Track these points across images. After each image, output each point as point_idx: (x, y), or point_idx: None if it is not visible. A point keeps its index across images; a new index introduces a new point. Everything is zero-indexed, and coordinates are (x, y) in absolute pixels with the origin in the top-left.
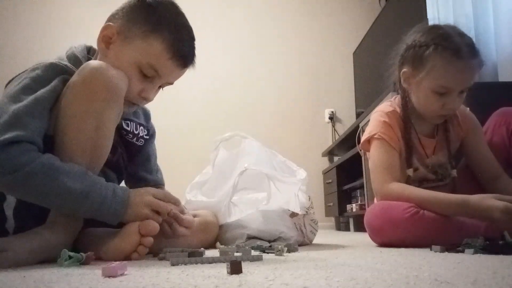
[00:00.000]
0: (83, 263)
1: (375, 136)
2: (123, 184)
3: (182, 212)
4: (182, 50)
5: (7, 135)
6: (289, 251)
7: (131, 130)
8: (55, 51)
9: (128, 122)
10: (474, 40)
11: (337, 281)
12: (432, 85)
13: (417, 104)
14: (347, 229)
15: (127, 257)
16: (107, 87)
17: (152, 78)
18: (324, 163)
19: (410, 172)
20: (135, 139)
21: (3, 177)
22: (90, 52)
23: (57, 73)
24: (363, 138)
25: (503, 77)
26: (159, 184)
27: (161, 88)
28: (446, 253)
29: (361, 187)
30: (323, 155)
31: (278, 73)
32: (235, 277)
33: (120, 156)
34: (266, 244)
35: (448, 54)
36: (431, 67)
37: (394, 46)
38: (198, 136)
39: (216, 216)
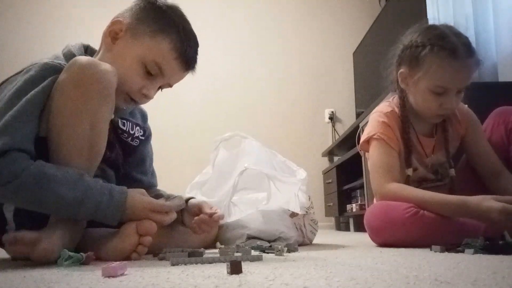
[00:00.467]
0: (83, 263)
1: (374, 137)
2: None
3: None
4: (188, 53)
5: None
6: (289, 251)
7: (127, 130)
8: (55, 51)
9: (125, 121)
10: (474, 40)
11: (337, 281)
12: (429, 85)
13: (415, 104)
14: (347, 229)
15: (127, 257)
16: (99, 84)
17: (155, 76)
18: (324, 163)
19: (409, 172)
20: (130, 139)
21: None
22: (87, 51)
23: (50, 73)
24: (362, 139)
25: (503, 77)
26: (153, 187)
27: (160, 89)
28: (446, 253)
29: (361, 187)
30: (323, 155)
31: (278, 73)
32: (235, 277)
33: (117, 153)
34: (266, 244)
35: (444, 54)
36: (428, 67)
37: (393, 46)
38: (198, 136)
39: None
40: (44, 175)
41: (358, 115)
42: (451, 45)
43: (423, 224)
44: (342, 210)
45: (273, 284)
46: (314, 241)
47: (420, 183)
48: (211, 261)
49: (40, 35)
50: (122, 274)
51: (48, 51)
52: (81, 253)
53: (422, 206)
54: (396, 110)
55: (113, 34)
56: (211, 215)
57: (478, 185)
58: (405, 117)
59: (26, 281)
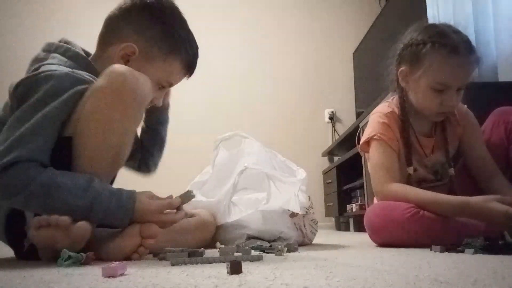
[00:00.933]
0: (83, 263)
1: (374, 137)
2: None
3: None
4: (194, 65)
5: (5, 159)
6: (289, 251)
7: None
8: (48, 45)
9: None
10: (474, 40)
11: (337, 281)
12: (430, 82)
13: (416, 102)
14: (347, 229)
15: (127, 258)
16: (135, 96)
17: (165, 87)
18: (324, 163)
19: (410, 170)
20: None
21: (7, 200)
22: (81, 58)
23: (72, 85)
24: (362, 140)
25: (503, 77)
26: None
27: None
28: (446, 253)
29: (361, 187)
30: (323, 155)
31: (278, 73)
32: (235, 277)
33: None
34: (266, 244)
35: (445, 51)
36: (429, 64)
37: (393, 46)
38: (198, 136)
39: (213, 215)
40: (53, 184)
41: (358, 115)
42: (452, 42)
43: (423, 224)
44: (342, 210)
45: (273, 284)
46: (314, 241)
47: (419, 183)
48: (211, 261)
49: (40, 35)
50: (122, 274)
51: None
52: (81, 253)
53: (422, 206)
54: (396, 110)
55: (125, 57)
56: None
57: (476, 186)
58: (405, 117)
59: (26, 281)
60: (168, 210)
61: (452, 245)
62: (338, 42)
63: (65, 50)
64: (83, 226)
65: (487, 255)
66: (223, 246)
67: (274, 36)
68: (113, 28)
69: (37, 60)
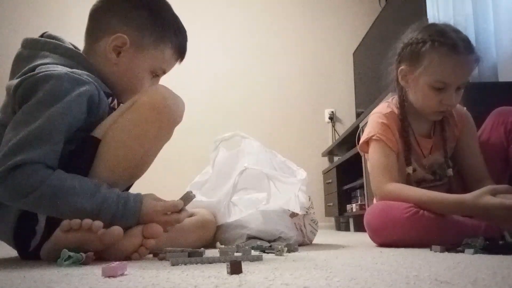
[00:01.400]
0: (83, 263)
1: (373, 138)
2: None
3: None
4: (184, 51)
5: (12, 161)
6: (289, 251)
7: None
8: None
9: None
10: (474, 40)
11: (337, 281)
12: (430, 81)
13: (415, 101)
14: (347, 229)
15: (127, 257)
16: (174, 118)
17: (159, 76)
18: (324, 163)
19: (410, 170)
20: None
21: (16, 201)
22: (71, 53)
23: (74, 86)
24: (361, 140)
25: (503, 77)
26: None
27: None
28: (446, 253)
29: (361, 187)
30: (323, 155)
31: (278, 73)
32: (235, 277)
33: None
34: (266, 244)
35: (445, 49)
36: (428, 63)
37: (394, 46)
38: (198, 136)
39: (213, 215)
40: (63, 187)
41: (358, 115)
42: (451, 40)
43: (423, 224)
44: (342, 210)
45: (273, 284)
46: (314, 241)
47: (419, 183)
48: (211, 261)
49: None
50: (122, 274)
51: None
52: (81, 253)
53: (421, 206)
54: (395, 110)
55: (116, 49)
56: None
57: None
58: (404, 117)
59: (26, 281)
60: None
61: (452, 245)
62: (338, 42)
63: (55, 46)
64: (116, 231)
65: (487, 255)
66: (223, 246)
67: (274, 36)
68: (99, 21)
69: (22, 59)
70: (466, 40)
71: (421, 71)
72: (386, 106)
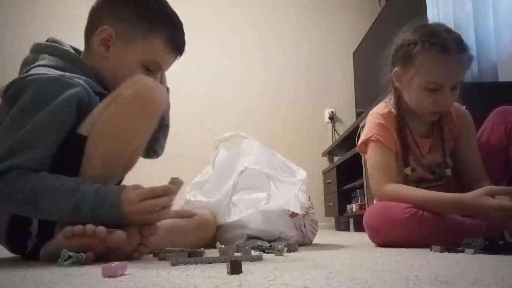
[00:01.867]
0: (83, 263)
1: (371, 138)
2: None
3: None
4: (178, 41)
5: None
6: (289, 251)
7: None
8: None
9: None
10: (474, 40)
11: (337, 281)
12: (422, 82)
13: (410, 102)
14: (347, 229)
15: (128, 257)
16: (159, 108)
17: (155, 71)
18: (324, 163)
19: (408, 171)
20: None
21: (4, 206)
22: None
23: (61, 90)
24: (360, 141)
25: (503, 77)
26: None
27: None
28: (446, 253)
29: (361, 187)
30: (323, 155)
31: (278, 73)
32: (235, 277)
33: None
34: (266, 244)
35: (435, 50)
36: (420, 64)
37: (388, 47)
38: (198, 136)
39: (213, 215)
40: (44, 188)
41: (358, 115)
42: (441, 41)
43: (422, 224)
44: (342, 210)
45: (273, 284)
46: (314, 241)
47: (419, 183)
48: (211, 261)
49: (40, 35)
50: (122, 274)
51: None
52: (81, 253)
53: (419, 205)
54: (393, 110)
55: (104, 42)
56: None
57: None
58: (401, 118)
59: (26, 281)
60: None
61: (452, 245)
62: (338, 42)
63: (54, 49)
64: (119, 234)
65: (487, 255)
66: (223, 246)
67: (274, 36)
68: (91, 19)
69: (27, 63)
70: (458, 40)
71: (414, 73)
72: (384, 106)
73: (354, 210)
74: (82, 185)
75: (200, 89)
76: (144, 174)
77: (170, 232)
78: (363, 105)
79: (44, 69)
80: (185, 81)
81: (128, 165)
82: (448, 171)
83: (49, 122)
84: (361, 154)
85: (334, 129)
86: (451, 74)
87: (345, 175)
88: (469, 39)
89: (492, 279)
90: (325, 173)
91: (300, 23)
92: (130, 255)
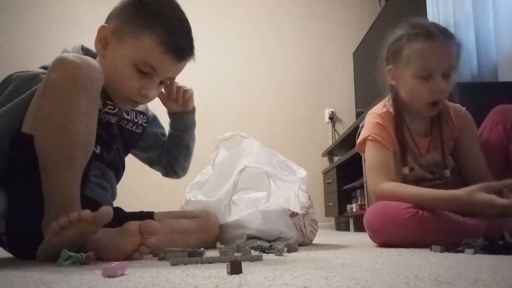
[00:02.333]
0: (83, 263)
1: (369, 138)
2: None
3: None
4: (176, 43)
5: None
6: (289, 251)
7: (131, 119)
8: (55, 51)
9: (129, 110)
10: (474, 40)
11: (337, 281)
12: (413, 71)
13: (407, 97)
14: (347, 229)
15: (128, 257)
16: (95, 82)
17: (150, 75)
18: (324, 163)
19: (406, 170)
20: (134, 127)
21: None
22: (89, 54)
23: (34, 85)
24: (358, 140)
25: (503, 77)
26: None
27: (163, 84)
28: (446, 253)
29: (361, 187)
30: (323, 155)
31: (278, 73)
32: (235, 277)
33: (116, 153)
34: (266, 244)
35: (420, 38)
36: (408, 55)
37: (379, 50)
38: (198, 136)
39: (217, 217)
40: None
41: (358, 115)
42: (424, 28)
43: (423, 225)
44: (342, 210)
45: (273, 284)
46: (314, 241)
47: (418, 183)
48: (211, 261)
49: (40, 35)
50: (122, 274)
51: (48, 51)
52: (81, 253)
53: (416, 203)
54: (391, 110)
55: (102, 41)
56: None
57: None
58: (399, 117)
59: (26, 281)
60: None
61: (452, 245)
62: (338, 42)
63: (73, 49)
64: (106, 210)
65: (487, 255)
66: (223, 246)
67: (274, 36)
68: (106, 19)
69: None
70: (442, 28)
71: (404, 66)
72: (382, 106)
73: (354, 210)
74: None
75: (200, 89)
76: (144, 174)
77: (171, 233)
78: (363, 105)
79: (38, 68)
80: (185, 81)
81: (86, 148)
82: (447, 172)
83: (2, 118)
84: (361, 154)
85: (334, 129)
86: (439, 57)
87: (345, 175)
88: (469, 39)
89: (492, 279)
90: (325, 173)
91: (300, 23)
92: (131, 255)
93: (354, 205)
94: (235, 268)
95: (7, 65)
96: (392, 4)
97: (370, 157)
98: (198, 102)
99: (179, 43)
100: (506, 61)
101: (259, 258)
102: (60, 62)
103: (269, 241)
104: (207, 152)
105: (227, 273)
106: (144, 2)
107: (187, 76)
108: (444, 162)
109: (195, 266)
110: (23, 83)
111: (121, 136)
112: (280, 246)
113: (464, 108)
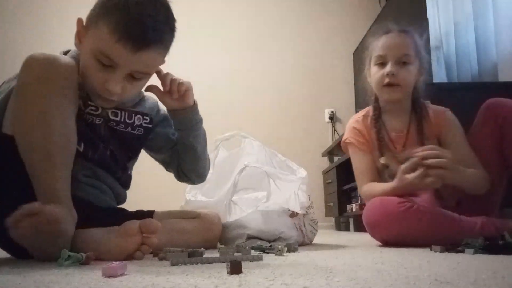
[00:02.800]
0: (83, 263)
1: (346, 141)
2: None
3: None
4: (131, 30)
5: None
6: (289, 251)
7: (122, 120)
8: (55, 52)
9: (118, 112)
10: (474, 40)
11: (337, 281)
12: (373, 61)
13: (372, 86)
14: (347, 229)
15: (129, 257)
16: (64, 78)
17: (113, 67)
18: (324, 163)
19: (382, 160)
20: (129, 128)
21: None
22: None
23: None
24: (341, 143)
25: (503, 77)
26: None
27: (137, 79)
28: (446, 253)
29: None
30: (323, 155)
31: (278, 73)
32: (235, 277)
33: (104, 153)
34: (266, 244)
35: (380, 35)
36: (371, 50)
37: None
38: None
39: (219, 217)
40: None
41: None
42: (384, 27)
43: (418, 217)
44: (342, 210)
45: (273, 284)
46: (314, 241)
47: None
48: (211, 261)
49: (40, 35)
50: (122, 274)
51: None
52: (81, 253)
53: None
54: (371, 112)
55: (79, 35)
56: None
57: None
58: (377, 116)
59: (26, 281)
60: None
61: (452, 245)
62: (338, 42)
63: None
64: (51, 208)
65: (487, 255)
66: (223, 246)
67: (274, 36)
68: None
69: None
70: (401, 27)
71: (370, 60)
72: (363, 110)
73: (354, 210)
74: None
75: (200, 89)
76: (144, 174)
77: (172, 233)
78: (363, 105)
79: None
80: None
81: (66, 145)
82: None
83: None
84: None
85: (334, 129)
86: (391, 46)
87: (345, 175)
88: (469, 39)
89: (492, 279)
90: (325, 173)
91: (300, 23)
92: (132, 255)
93: (354, 205)
94: (235, 268)
95: (7, 65)
96: (392, 4)
97: (352, 161)
98: (198, 101)
99: (134, 30)
100: (506, 61)
101: (259, 258)
102: (28, 62)
103: (269, 241)
104: (207, 152)
105: (227, 273)
106: None
107: (187, 76)
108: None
109: (195, 266)
110: (5, 84)
111: (115, 138)
112: (280, 246)
113: (448, 109)
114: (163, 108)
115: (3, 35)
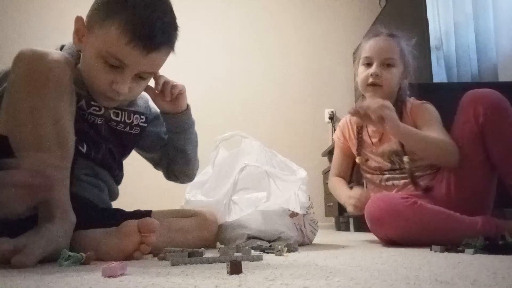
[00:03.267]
0: (83, 263)
1: (334, 139)
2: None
3: None
4: (142, 32)
5: None
6: (289, 251)
7: (122, 120)
8: (50, 47)
9: (118, 111)
10: (474, 40)
11: (337, 281)
12: (361, 62)
13: (359, 86)
14: (347, 229)
15: (129, 257)
16: (52, 75)
17: (121, 68)
18: (324, 163)
19: (358, 160)
20: (128, 128)
21: None
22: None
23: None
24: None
25: (503, 77)
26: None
27: (144, 79)
28: (446, 253)
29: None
30: (323, 155)
31: (278, 73)
32: (235, 277)
33: (106, 152)
34: (266, 244)
35: (370, 38)
36: (360, 51)
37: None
38: (198, 136)
39: (215, 215)
40: None
41: None
42: (375, 31)
43: (422, 213)
44: (342, 210)
45: (273, 284)
46: (314, 241)
47: (381, 172)
48: (211, 261)
49: (40, 35)
50: (122, 274)
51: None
52: (81, 253)
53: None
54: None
55: (78, 33)
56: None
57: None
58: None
59: (26, 281)
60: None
61: (452, 245)
62: (338, 42)
63: (65, 47)
64: (28, 252)
65: (487, 255)
66: (223, 246)
67: (274, 36)
68: None
69: None
70: (390, 31)
71: (358, 61)
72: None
73: None
74: None
75: (200, 89)
76: (144, 174)
77: (170, 231)
78: None
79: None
80: (184, 81)
81: (63, 148)
82: (406, 158)
83: None
84: None
85: (334, 129)
86: (376, 49)
87: None
88: (469, 39)
89: (492, 279)
90: (325, 173)
91: (300, 23)
92: (132, 255)
93: None
94: (235, 268)
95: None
96: (392, 4)
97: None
98: (198, 101)
99: (146, 31)
100: (506, 61)
101: (259, 258)
102: (18, 59)
103: (269, 241)
104: (207, 152)
105: (227, 273)
106: None
107: (187, 76)
108: (404, 150)
109: (195, 266)
110: (1, 79)
111: (114, 138)
112: (280, 246)
113: (427, 102)
114: (153, 106)
115: (3, 35)
